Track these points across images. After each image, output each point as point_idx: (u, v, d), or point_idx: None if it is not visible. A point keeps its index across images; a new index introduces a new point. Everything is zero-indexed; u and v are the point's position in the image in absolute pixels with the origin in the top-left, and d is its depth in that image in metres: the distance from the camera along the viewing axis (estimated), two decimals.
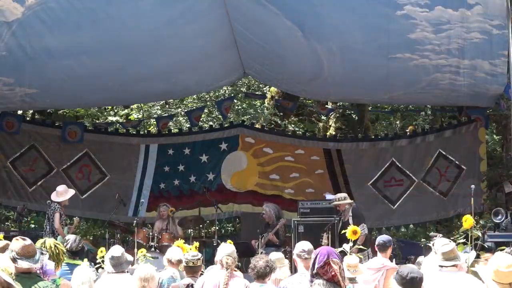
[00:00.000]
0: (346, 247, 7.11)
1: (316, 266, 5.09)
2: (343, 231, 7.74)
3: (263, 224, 13.06)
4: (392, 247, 9.26)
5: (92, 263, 7.90)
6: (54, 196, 11.99)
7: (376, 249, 8.94)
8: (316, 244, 8.68)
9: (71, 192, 12.14)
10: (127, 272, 7.12)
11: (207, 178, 15.89)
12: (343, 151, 15.85)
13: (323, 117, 19.33)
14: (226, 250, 6.95)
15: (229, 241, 8.34)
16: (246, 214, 15.75)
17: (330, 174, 15.79)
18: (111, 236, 13.06)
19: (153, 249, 12.43)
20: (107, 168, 15.75)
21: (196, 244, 8.82)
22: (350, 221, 11.19)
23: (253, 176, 16.02)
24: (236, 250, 7.31)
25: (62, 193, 11.95)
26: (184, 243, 8.86)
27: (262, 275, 6.89)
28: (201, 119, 16.78)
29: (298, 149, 16.01)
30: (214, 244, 12.68)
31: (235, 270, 7.05)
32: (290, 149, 15.99)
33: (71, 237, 8.11)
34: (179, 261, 8.01)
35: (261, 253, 11.32)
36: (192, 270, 7.60)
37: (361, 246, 8.57)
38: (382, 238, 9.01)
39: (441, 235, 9.96)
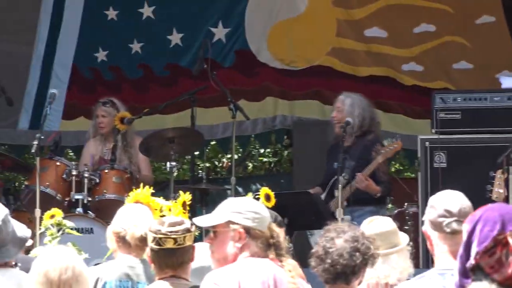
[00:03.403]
0: None
1: (476, 248, 4.02)
2: None
3: (331, 145, 11.48)
4: None
5: None
6: None
7: None
8: (478, 197, 6.90)
9: None
10: (17, 265, 5.91)
11: (212, 37, 13.36)
12: None
13: None
14: (267, 211, 5.87)
15: (264, 189, 7.16)
16: (305, 123, 13.74)
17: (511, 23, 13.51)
18: None
19: (80, 209, 11.27)
20: None
21: (184, 196, 7.04)
22: None
23: (324, 31, 13.73)
24: (286, 211, 7.80)
25: None
26: (154, 193, 7.08)
27: (341, 273, 5.38)
28: None
29: None
30: (228, 193, 12.00)
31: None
32: None
33: None
34: (143, 240, 6.28)
35: (341, 219, 10.43)
36: (174, 257, 6.08)
37: None
38: None
39: None
